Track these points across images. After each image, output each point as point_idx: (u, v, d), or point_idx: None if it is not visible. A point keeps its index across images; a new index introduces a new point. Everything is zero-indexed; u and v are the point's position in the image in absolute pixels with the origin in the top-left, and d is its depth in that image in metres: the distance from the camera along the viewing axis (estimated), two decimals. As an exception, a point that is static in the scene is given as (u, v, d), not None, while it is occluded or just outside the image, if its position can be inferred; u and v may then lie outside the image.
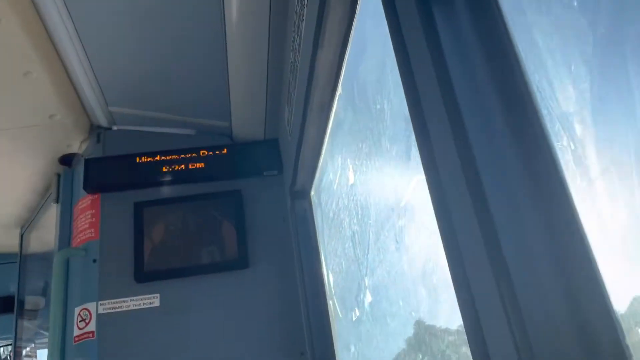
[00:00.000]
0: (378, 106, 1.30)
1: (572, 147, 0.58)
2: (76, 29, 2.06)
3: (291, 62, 1.95)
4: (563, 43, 0.59)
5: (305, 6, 1.61)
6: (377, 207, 1.40)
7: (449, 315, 1.03)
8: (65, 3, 1.93)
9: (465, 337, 0.72)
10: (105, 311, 2.29)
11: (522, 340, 0.59)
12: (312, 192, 2.34)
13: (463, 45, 0.72)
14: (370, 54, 1.44)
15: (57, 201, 2.68)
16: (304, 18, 1.65)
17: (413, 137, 0.91)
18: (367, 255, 1.49)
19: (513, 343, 0.60)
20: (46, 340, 2.48)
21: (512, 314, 0.61)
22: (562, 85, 0.59)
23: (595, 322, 0.56)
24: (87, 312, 2.29)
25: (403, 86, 0.84)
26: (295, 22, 1.79)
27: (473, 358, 0.69)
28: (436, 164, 0.77)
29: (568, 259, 0.59)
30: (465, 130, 0.68)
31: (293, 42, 1.87)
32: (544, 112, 0.60)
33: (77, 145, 2.72)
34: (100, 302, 2.30)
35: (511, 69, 0.65)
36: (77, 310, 2.32)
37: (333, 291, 2.13)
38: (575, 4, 0.54)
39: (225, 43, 2.06)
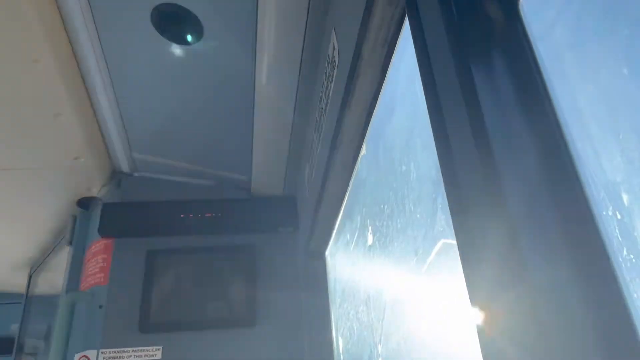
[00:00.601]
0: (404, 167, 1.29)
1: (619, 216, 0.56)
2: (110, 75, 2.12)
3: (316, 120, 1.98)
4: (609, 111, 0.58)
5: (335, 67, 1.65)
6: (397, 269, 1.36)
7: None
8: (102, 49, 2.00)
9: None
10: (105, 360, 2.21)
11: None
12: (327, 252, 2.30)
13: (503, 112, 0.71)
14: (399, 115, 1.45)
15: (70, 243, 2.67)
16: (334, 79, 1.68)
17: (439, 200, 0.89)
18: (382, 321, 1.44)
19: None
20: (41, 386, 2.40)
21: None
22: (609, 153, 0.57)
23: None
24: (86, 360, 2.22)
25: (436, 144, 0.83)
26: (324, 83, 1.83)
27: None
28: (473, 238, 0.74)
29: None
30: (504, 199, 0.66)
31: (320, 101, 1.90)
32: (587, 179, 0.58)
33: (97, 189, 2.74)
34: (101, 350, 2.23)
35: (553, 136, 0.64)
36: (76, 356, 2.25)
37: (342, 357, 2.04)
38: (625, 71, 0.54)
39: (253, 102, 2.10)
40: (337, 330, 2.11)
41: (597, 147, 0.60)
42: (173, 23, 1.87)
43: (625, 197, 0.56)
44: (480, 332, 0.69)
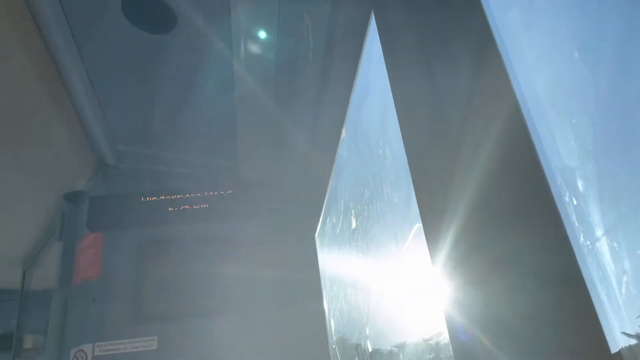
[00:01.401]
0: (380, 151, 1.29)
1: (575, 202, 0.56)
2: (86, 68, 2.09)
3: (297, 104, 1.96)
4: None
5: (311, 50, 1.63)
6: (378, 252, 1.37)
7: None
8: (76, 42, 1.97)
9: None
10: (101, 353, 2.23)
11: None
12: (316, 235, 2.31)
13: (461, 91, 0.70)
14: (373, 97, 1.44)
15: (60, 238, 2.67)
16: (310, 61, 1.67)
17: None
18: (368, 303, 1.45)
19: None
20: (42, 381, 2.42)
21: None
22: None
23: None
24: (83, 354, 2.23)
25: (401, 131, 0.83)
26: (301, 66, 1.81)
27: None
28: (432, 210, 0.75)
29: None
30: (461, 173, 0.66)
31: (299, 84, 1.88)
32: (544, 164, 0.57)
33: (83, 182, 2.72)
34: (97, 344, 2.24)
35: (511, 117, 0.63)
36: (73, 351, 2.26)
37: (334, 338, 2.07)
38: (577, 55, 0.53)
39: (234, 88, 2.08)
40: (329, 312, 2.13)
41: (554, 131, 0.59)
42: (145, 13, 1.84)
43: (580, 183, 0.55)
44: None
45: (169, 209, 2.51)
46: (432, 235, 0.74)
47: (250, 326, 2.33)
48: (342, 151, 1.69)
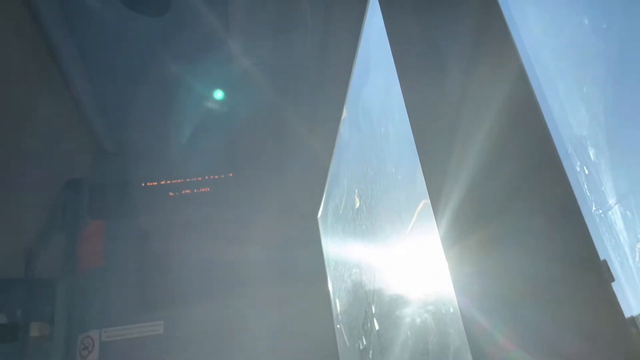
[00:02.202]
0: (383, 129, 1.28)
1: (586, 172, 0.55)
2: (83, 56, 2.07)
3: (297, 84, 1.94)
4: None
5: (309, 30, 1.61)
6: (383, 231, 1.37)
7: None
8: (70, 28, 1.94)
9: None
10: (108, 339, 2.24)
11: None
12: (319, 215, 2.31)
13: (466, 62, 0.69)
14: (374, 75, 1.43)
15: (62, 227, 2.67)
16: (309, 41, 1.65)
17: (417, 160, 0.88)
18: (373, 282, 1.45)
19: None
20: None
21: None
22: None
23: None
24: (90, 340, 2.25)
25: (406, 106, 0.82)
26: (300, 46, 1.79)
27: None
28: (441, 187, 0.74)
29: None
30: (467, 146, 0.65)
31: (298, 64, 1.86)
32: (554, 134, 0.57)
33: (83, 171, 2.72)
34: (103, 330, 2.26)
35: (517, 83, 0.62)
36: (80, 337, 2.28)
37: (340, 318, 2.08)
38: (587, 22, 0.52)
39: (231, 71, 2.06)
40: (333, 292, 2.14)
41: (563, 101, 0.58)
42: (139, -5, 1.81)
43: (591, 152, 0.55)
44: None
45: (170, 194, 2.51)
46: (439, 208, 0.73)
47: (255, 309, 2.34)
48: (344, 131, 1.68)
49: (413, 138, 0.79)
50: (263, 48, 1.93)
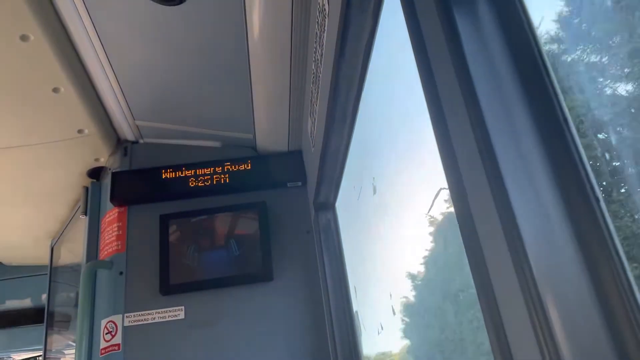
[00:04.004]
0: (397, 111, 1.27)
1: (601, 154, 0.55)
2: (103, 46, 2.10)
3: (313, 73, 1.94)
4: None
5: (326, 17, 1.61)
6: (403, 215, 1.37)
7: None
8: (92, 22, 1.97)
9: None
10: (131, 323, 2.30)
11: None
12: (337, 204, 2.32)
13: (485, 47, 0.69)
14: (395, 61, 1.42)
15: (85, 214, 2.72)
16: (326, 29, 1.64)
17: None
18: (393, 267, 1.46)
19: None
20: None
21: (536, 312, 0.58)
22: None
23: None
24: (113, 325, 2.30)
25: (423, 91, 0.82)
26: (317, 34, 1.78)
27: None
28: (460, 174, 0.74)
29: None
30: (488, 134, 0.65)
31: (315, 53, 1.86)
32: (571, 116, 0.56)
33: (104, 158, 2.76)
34: (126, 315, 2.31)
35: (536, 71, 0.62)
36: (103, 322, 2.33)
37: (359, 303, 2.09)
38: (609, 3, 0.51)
39: (248, 56, 2.07)
40: (352, 279, 2.15)
41: (581, 81, 0.58)
42: (158, -16, 1.82)
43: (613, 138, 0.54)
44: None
45: (190, 181, 2.54)
46: (457, 197, 0.73)
47: (275, 295, 2.37)
48: (360, 116, 1.67)
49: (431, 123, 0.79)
50: (281, 38, 1.93)
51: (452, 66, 0.71)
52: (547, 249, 0.59)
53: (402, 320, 1.46)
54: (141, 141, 2.73)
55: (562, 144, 0.59)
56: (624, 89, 0.52)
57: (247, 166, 2.60)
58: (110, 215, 2.58)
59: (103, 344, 2.29)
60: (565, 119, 0.58)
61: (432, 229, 1.14)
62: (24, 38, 1.91)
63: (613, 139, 0.53)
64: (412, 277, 1.42)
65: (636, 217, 0.56)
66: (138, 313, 2.31)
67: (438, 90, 0.78)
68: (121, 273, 2.40)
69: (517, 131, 0.63)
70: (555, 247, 0.59)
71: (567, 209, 0.58)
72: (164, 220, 2.48)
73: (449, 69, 0.73)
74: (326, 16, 1.60)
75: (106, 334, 2.30)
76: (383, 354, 1.71)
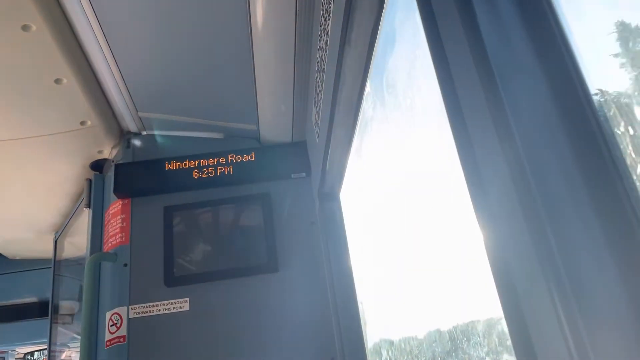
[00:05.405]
0: (409, 101, 1.26)
1: (631, 132, 0.53)
2: (105, 37, 2.08)
3: (318, 61, 1.92)
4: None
5: (331, 3, 1.58)
6: (410, 205, 1.35)
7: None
8: (95, 12, 1.95)
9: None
10: (135, 315, 2.29)
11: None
12: (341, 194, 2.30)
13: (503, 29, 0.67)
14: (400, 46, 1.40)
15: (88, 206, 2.71)
16: (331, 15, 1.62)
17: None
18: (397, 257, 1.45)
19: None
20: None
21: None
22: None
23: None
24: (118, 317, 2.30)
25: (437, 78, 0.80)
26: (321, 20, 1.76)
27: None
28: (479, 168, 0.72)
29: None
30: (508, 119, 0.63)
31: (319, 41, 1.84)
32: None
33: (107, 150, 2.75)
34: (131, 307, 2.30)
35: (559, 54, 0.60)
36: (108, 314, 2.33)
37: (366, 293, 2.08)
38: None
39: (252, 46, 2.05)
40: (357, 269, 2.14)
41: (599, 52, 0.56)
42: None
43: (637, 111, 0.52)
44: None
45: (194, 172, 2.53)
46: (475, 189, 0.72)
47: (280, 286, 2.36)
48: (367, 107, 1.65)
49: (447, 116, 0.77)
50: (284, 26, 1.91)
51: (469, 53, 0.69)
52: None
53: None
54: (144, 133, 2.71)
55: (594, 143, 0.57)
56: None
57: (251, 157, 2.58)
58: (114, 207, 2.57)
59: (108, 336, 2.29)
60: (596, 118, 0.56)
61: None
62: (25, 28, 1.89)
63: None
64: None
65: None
66: (143, 305, 2.31)
67: (456, 89, 0.75)
68: (125, 265, 2.40)
69: (553, 138, 0.61)
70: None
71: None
72: (168, 212, 2.47)
73: (465, 54, 0.70)
74: (331, 2, 1.58)
75: (111, 326, 2.30)
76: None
